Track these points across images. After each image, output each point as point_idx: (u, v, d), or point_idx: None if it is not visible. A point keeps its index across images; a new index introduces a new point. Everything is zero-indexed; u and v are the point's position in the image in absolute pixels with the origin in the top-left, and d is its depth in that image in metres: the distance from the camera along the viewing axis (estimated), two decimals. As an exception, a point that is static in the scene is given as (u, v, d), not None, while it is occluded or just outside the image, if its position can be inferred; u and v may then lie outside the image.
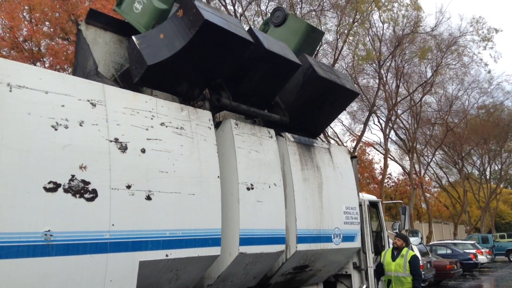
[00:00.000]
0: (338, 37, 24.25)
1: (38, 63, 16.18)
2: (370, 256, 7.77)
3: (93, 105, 4.25)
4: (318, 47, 7.71)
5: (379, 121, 34.36)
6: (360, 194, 8.02)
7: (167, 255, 4.50)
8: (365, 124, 29.27)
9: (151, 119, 4.69)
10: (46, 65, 16.19)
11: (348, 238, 7.11)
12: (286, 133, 6.51)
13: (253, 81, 5.91)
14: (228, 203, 5.34)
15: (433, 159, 42.58)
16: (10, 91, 3.72)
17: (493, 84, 36.63)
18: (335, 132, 31.61)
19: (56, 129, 3.90)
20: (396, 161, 38.68)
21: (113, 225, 4.10)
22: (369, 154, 37.10)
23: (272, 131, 6.22)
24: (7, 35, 16.32)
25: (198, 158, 4.96)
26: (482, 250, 25.46)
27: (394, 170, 48.83)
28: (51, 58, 16.18)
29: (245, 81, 5.89)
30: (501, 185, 48.15)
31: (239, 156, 5.53)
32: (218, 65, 5.41)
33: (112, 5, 14.54)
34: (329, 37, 25.31)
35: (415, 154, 34.97)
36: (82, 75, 5.09)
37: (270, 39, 5.94)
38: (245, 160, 5.58)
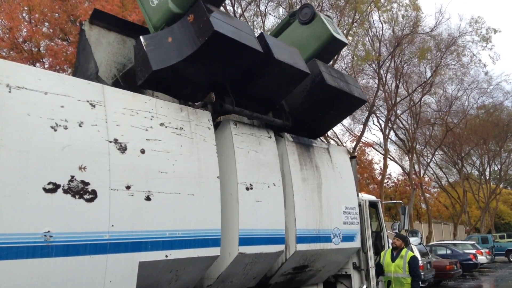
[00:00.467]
0: (337, 37, 24.21)
1: (37, 64, 16.19)
2: (371, 256, 7.77)
3: (93, 105, 4.25)
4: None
5: (378, 122, 34.43)
6: (359, 194, 8.03)
7: (166, 256, 4.50)
8: (365, 124, 29.30)
9: (151, 119, 4.69)
10: (46, 66, 16.20)
11: (348, 238, 7.11)
12: (285, 133, 6.52)
13: (259, 86, 5.87)
14: (228, 203, 5.34)
15: (433, 159, 42.66)
16: (10, 92, 3.72)
17: (492, 84, 36.72)
18: (335, 132, 31.63)
19: (55, 130, 3.90)
20: (395, 161, 38.74)
21: (112, 225, 4.10)
22: (368, 155, 37.14)
23: (271, 132, 6.22)
24: (7, 35, 16.31)
25: (197, 159, 4.97)
26: (482, 251, 25.47)
27: (394, 170, 48.78)
28: (50, 59, 16.19)
29: (251, 85, 5.83)
30: (501, 185, 48.18)
31: (238, 156, 5.53)
32: (225, 71, 5.39)
33: (112, 5, 14.57)
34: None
35: (414, 154, 35.00)
36: (83, 77, 5.08)
37: (281, 46, 5.82)
38: (244, 160, 5.59)
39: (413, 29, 27.52)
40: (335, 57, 24.40)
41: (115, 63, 5.46)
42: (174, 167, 4.71)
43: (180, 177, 4.74)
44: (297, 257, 6.22)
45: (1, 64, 3.81)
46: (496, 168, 47.35)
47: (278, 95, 6.26)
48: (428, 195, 41.15)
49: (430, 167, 42.78)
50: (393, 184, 39.30)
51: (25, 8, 16.62)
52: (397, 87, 31.06)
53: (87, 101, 4.23)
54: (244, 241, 5.31)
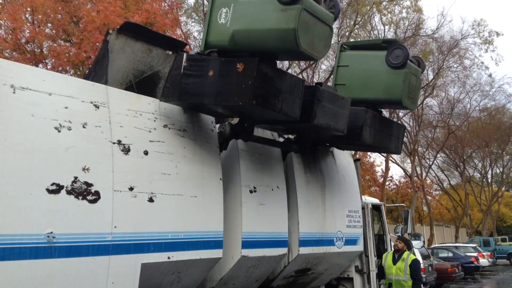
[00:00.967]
0: (339, 39, 24.25)
1: (40, 65, 16.20)
2: (373, 259, 7.75)
3: (96, 107, 4.25)
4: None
5: (380, 124, 34.23)
6: (363, 197, 8.01)
7: (169, 258, 4.49)
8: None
9: (154, 121, 4.68)
10: (48, 67, 16.21)
11: (351, 241, 7.09)
12: (289, 136, 6.51)
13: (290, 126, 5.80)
14: (231, 205, 5.33)
15: (435, 161, 42.54)
16: (14, 92, 3.71)
17: (494, 87, 36.63)
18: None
19: (59, 131, 3.90)
20: (397, 164, 38.61)
21: (115, 227, 4.09)
22: (370, 157, 37.08)
23: (275, 134, 6.21)
24: (10, 36, 16.34)
25: (200, 161, 4.95)
26: (484, 253, 25.40)
27: (396, 172, 48.89)
28: (53, 60, 16.20)
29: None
30: (503, 188, 48.05)
31: (242, 158, 5.52)
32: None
33: (114, 7, 14.58)
34: (330, 39, 25.29)
35: (416, 157, 34.93)
36: None
37: (330, 98, 5.39)
38: (248, 163, 5.57)
39: (415, 31, 27.51)
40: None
41: (134, 70, 5.30)
42: (177, 168, 4.70)
43: (183, 178, 4.73)
44: (300, 260, 6.20)
45: (6, 65, 3.81)
46: (498, 171, 47.28)
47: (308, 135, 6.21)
48: (430, 198, 41.10)
49: (432, 170, 42.70)
50: (394, 187, 39.24)
51: (28, 9, 16.65)
52: (399, 89, 30.94)
53: (91, 102, 4.22)
54: (247, 244, 5.29)
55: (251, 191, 5.48)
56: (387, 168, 30.20)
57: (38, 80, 3.92)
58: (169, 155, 4.68)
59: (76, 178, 3.90)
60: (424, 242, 18.42)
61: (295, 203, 6.15)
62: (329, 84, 5.15)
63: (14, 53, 16.33)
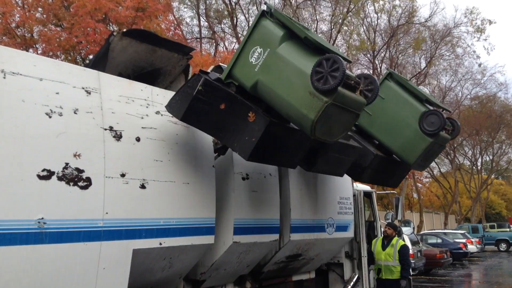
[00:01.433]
0: (332, 27, 24.18)
1: (30, 50, 16.01)
2: (364, 245, 7.83)
3: (88, 92, 4.22)
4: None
5: (372, 112, 34.38)
6: (354, 184, 8.07)
7: (160, 244, 4.51)
8: (359, 114, 29.27)
9: (147, 107, 4.66)
10: (39, 52, 16.01)
11: (342, 228, 7.16)
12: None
13: None
14: (223, 192, 5.34)
15: (425, 149, 42.73)
16: (4, 77, 3.67)
17: (486, 75, 36.85)
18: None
19: (50, 117, 3.87)
20: (389, 152, 38.79)
21: (107, 213, 4.10)
22: (362, 144, 37.18)
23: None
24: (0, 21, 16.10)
25: (193, 148, 4.95)
26: (472, 240, 25.77)
27: (387, 160, 48.78)
28: (43, 45, 16.00)
29: None
30: (492, 176, 48.58)
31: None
32: None
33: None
34: (323, 27, 25.24)
35: (407, 145, 35.06)
36: None
37: (337, 148, 5.16)
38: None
39: (409, 19, 27.49)
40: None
41: (134, 66, 5.19)
42: (170, 155, 4.70)
43: (175, 165, 4.73)
44: (291, 246, 6.26)
45: (-4, 50, 3.76)
46: (487, 159, 47.77)
47: None
48: (420, 185, 41.44)
49: (422, 157, 42.95)
50: (385, 174, 39.45)
51: (18, -8, 16.39)
52: (391, 77, 31.02)
53: (83, 88, 4.19)
54: (239, 230, 5.32)
55: (243, 178, 5.50)
56: (378, 155, 30.30)
57: (29, 65, 3.88)
58: (161, 142, 4.67)
59: (67, 164, 3.88)
60: (413, 228, 18.62)
61: (287, 190, 6.19)
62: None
63: (4, 38, 16.10)
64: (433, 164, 47.02)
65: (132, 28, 5.40)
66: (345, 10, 24.44)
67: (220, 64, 5.88)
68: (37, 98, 3.83)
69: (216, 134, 4.60)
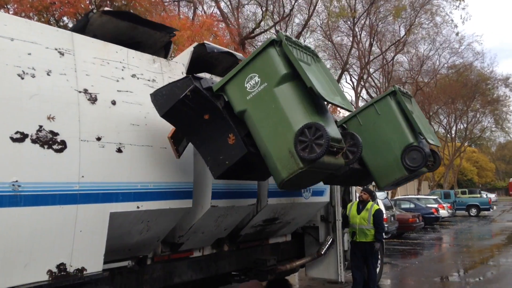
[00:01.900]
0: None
1: (1, 10, 15.37)
2: (338, 209, 8.00)
3: (61, 54, 4.11)
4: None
5: (351, 79, 34.58)
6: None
7: (138, 207, 4.53)
8: (337, 82, 29.34)
9: (122, 70, 4.58)
10: (11, 12, 15.39)
11: (318, 192, 7.28)
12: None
13: None
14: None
15: (402, 117, 43.29)
16: (-28, 36, 3.55)
17: (463, 44, 37.13)
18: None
19: (22, 78, 3.78)
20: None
21: (82, 176, 4.08)
22: (340, 112, 37.44)
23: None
24: (-33, -22, 15.34)
25: (170, 111, 4.91)
26: (444, 205, 26.52)
27: (364, 126, 49.20)
28: (15, 5, 15.37)
29: None
30: (466, 144, 49.71)
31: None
32: None
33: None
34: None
35: (385, 112, 35.43)
36: None
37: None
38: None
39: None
40: (310, 14, 24.08)
41: (113, 39, 4.99)
42: (146, 119, 4.66)
43: (153, 129, 4.70)
44: (268, 210, 6.36)
45: (-38, 7, 3.62)
46: (462, 127, 48.77)
47: None
48: (395, 152, 42.05)
49: (399, 125, 43.55)
50: (362, 141, 39.96)
51: None
52: (371, 45, 31.09)
53: (56, 49, 4.08)
54: (216, 194, 5.37)
55: (220, 143, 5.49)
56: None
57: (-2, 24, 3.75)
58: (138, 106, 4.62)
59: (41, 126, 3.82)
60: (387, 193, 19.06)
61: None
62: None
63: (-29, -4, 15.39)
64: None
65: (112, 9, 5.15)
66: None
67: (205, 42, 5.77)
68: (8, 59, 3.73)
69: (193, 140, 4.59)
